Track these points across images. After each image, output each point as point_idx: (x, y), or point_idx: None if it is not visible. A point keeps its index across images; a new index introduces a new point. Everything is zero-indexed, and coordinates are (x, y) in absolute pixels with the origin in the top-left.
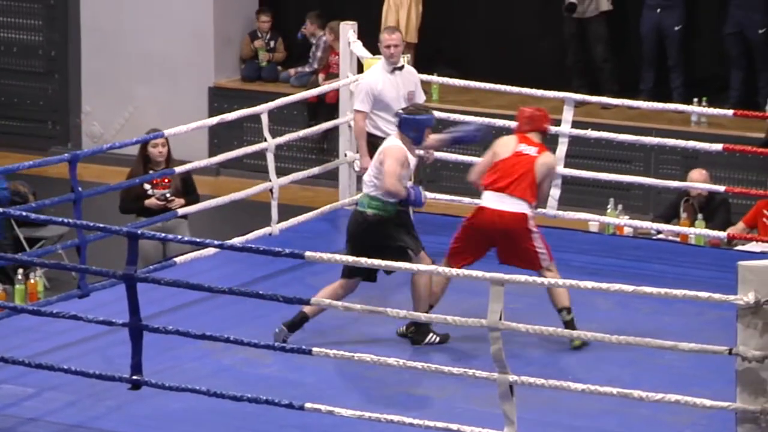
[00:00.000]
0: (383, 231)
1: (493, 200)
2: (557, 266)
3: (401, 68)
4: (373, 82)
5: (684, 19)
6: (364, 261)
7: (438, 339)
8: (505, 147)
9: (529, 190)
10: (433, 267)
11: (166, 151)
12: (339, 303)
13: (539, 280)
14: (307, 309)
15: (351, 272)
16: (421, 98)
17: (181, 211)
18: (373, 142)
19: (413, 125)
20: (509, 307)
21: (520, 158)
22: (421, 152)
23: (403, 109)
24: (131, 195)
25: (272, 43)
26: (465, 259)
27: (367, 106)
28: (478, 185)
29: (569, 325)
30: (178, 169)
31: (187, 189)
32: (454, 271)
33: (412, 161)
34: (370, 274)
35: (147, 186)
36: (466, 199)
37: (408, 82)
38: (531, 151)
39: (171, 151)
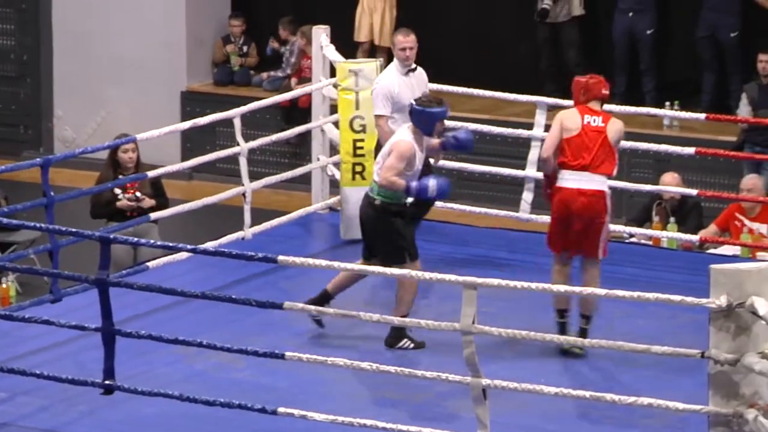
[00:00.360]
0: (389, 221)
1: (574, 179)
2: (529, 269)
3: (414, 70)
4: (390, 85)
5: (656, 23)
6: (337, 265)
7: (412, 345)
8: (573, 122)
9: (609, 163)
10: (406, 271)
11: (136, 156)
12: (312, 307)
13: (512, 283)
14: (329, 287)
15: (369, 254)
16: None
17: (152, 216)
18: None
19: (424, 117)
20: (482, 311)
21: (591, 131)
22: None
23: (416, 100)
24: (102, 200)
25: (245, 48)
26: (566, 246)
27: (387, 109)
28: (551, 162)
29: (583, 333)
30: (149, 173)
31: (157, 192)
32: (427, 274)
33: (420, 157)
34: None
35: (118, 191)
36: (454, 205)
37: (421, 83)
38: (598, 121)
39: (140, 155)
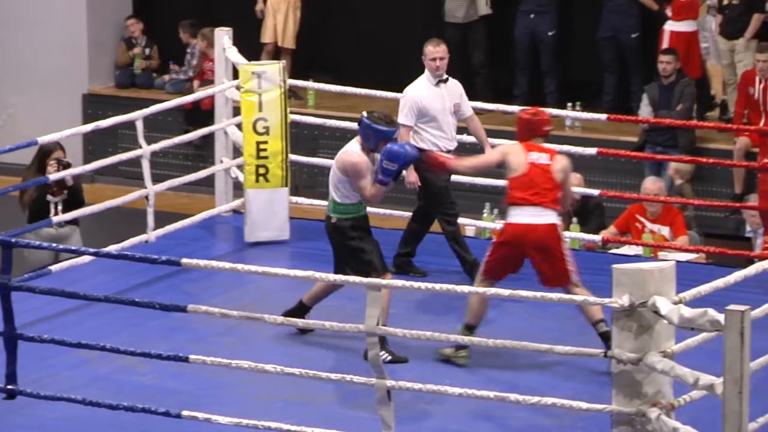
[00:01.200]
0: (352, 235)
1: (524, 215)
2: (433, 270)
3: (446, 81)
4: (418, 96)
5: (557, 24)
6: (241, 267)
7: (390, 358)
8: (517, 158)
9: (556, 199)
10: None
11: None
12: (216, 310)
13: (416, 284)
14: (304, 298)
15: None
16: (467, 110)
17: (72, 215)
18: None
19: (371, 132)
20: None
21: (537, 169)
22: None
23: (368, 113)
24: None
25: (147, 51)
26: (501, 276)
27: (412, 119)
28: (462, 171)
29: (605, 336)
30: (50, 177)
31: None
32: (331, 276)
33: (369, 164)
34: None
35: (49, 197)
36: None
37: (454, 94)
38: (544, 158)
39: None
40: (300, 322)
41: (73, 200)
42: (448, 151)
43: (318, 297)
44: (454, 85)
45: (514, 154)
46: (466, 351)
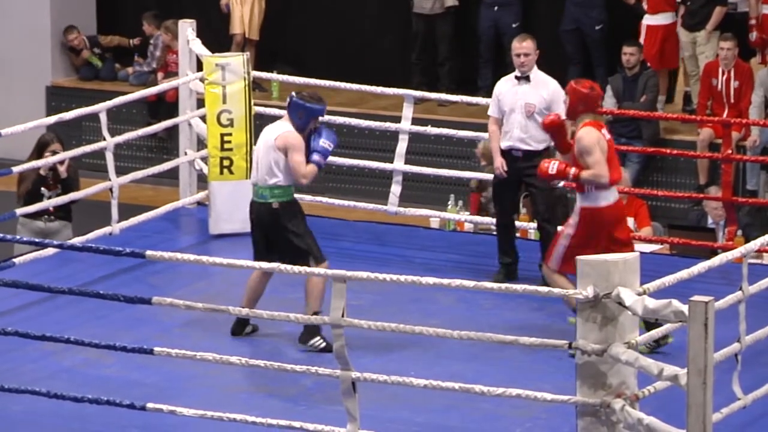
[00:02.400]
0: (293, 219)
1: (614, 194)
2: (397, 262)
3: (527, 78)
4: (498, 88)
5: (521, 16)
6: (205, 259)
7: (323, 345)
8: (604, 140)
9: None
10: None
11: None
12: (181, 302)
13: (381, 276)
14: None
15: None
16: (556, 110)
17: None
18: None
19: (301, 111)
20: (351, 304)
21: (611, 146)
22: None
23: (296, 93)
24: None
25: (97, 49)
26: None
27: (494, 110)
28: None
29: None
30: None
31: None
32: (296, 268)
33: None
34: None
35: (43, 190)
36: (322, 198)
37: (534, 95)
38: (607, 134)
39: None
40: (265, 313)
41: (67, 193)
42: (509, 152)
43: (258, 293)
44: (540, 85)
45: (602, 136)
46: None
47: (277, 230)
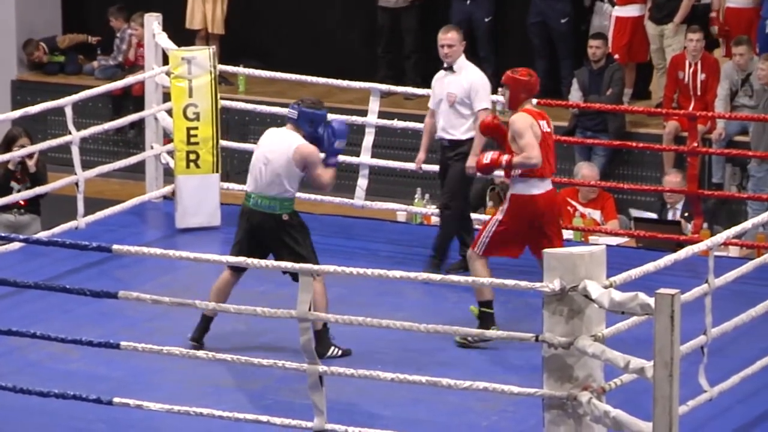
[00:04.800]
0: (302, 232)
1: (547, 185)
2: (364, 255)
3: (452, 69)
4: (433, 80)
5: (493, 10)
6: (172, 253)
7: (340, 352)
8: (536, 127)
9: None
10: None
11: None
12: (147, 296)
13: (348, 269)
14: (208, 312)
15: (239, 267)
16: (476, 103)
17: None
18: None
19: (314, 118)
20: None
21: (548, 138)
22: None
23: (301, 101)
24: None
25: (56, 52)
26: (513, 251)
27: (431, 102)
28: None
29: (480, 317)
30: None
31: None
32: (263, 262)
33: None
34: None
35: (13, 184)
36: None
37: (456, 84)
38: (544, 125)
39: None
40: (232, 308)
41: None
42: (440, 141)
43: (223, 300)
44: (461, 79)
45: (534, 123)
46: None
47: (282, 241)
